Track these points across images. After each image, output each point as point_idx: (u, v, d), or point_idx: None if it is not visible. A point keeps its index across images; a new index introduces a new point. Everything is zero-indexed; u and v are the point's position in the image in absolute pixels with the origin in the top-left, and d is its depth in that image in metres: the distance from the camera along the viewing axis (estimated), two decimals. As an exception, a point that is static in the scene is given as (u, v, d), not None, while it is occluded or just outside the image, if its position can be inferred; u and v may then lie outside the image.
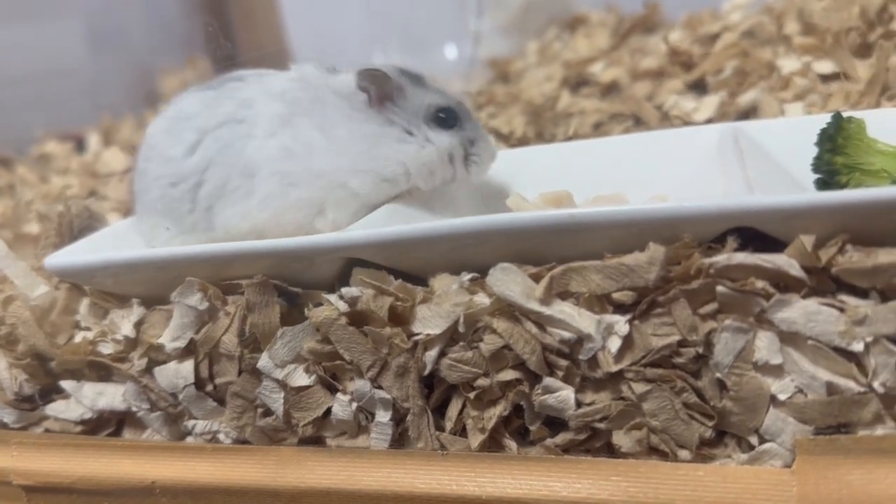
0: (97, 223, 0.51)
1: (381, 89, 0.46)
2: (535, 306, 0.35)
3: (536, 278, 0.36)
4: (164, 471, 0.42)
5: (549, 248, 0.36)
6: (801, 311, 0.32)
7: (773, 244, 0.34)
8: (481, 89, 0.82)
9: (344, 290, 0.38)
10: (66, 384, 0.44)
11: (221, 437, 0.42)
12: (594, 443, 0.37)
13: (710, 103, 0.60)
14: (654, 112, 0.62)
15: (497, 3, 1.00)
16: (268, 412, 0.41)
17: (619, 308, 0.35)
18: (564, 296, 0.36)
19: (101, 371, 0.45)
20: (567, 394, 0.36)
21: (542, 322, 0.36)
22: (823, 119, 0.44)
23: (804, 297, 0.33)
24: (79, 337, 0.44)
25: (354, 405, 0.39)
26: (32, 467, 0.45)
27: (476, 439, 0.37)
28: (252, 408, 0.41)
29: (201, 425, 0.42)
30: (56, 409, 0.45)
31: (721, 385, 0.34)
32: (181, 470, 0.42)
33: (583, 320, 0.35)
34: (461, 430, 0.38)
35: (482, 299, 0.37)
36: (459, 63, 1.05)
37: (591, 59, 0.72)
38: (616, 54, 0.73)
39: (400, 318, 0.38)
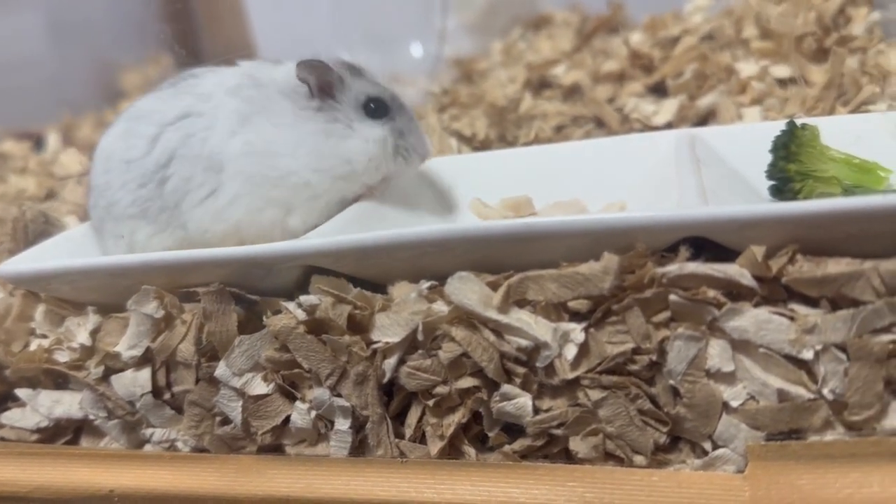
0: (53, 228, 0.50)
1: (320, 80, 0.47)
2: (492, 314, 0.35)
3: (494, 286, 0.36)
4: (123, 479, 0.42)
5: (507, 256, 0.37)
6: (752, 320, 0.33)
7: (727, 252, 0.35)
8: (446, 89, 0.82)
9: (302, 298, 0.38)
10: (21, 392, 0.44)
11: (180, 445, 0.42)
12: (552, 448, 0.37)
13: (670, 106, 0.60)
14: (615, 115, 0.62)
15: (462, 2, 1.00)
16: (226, 420, 0.41)
17: (575, 316, 0.35)
18: (521, 304, 0.36)
19: (58, 379, 0.44)
20: (524, 401, 0.36)
21: (499, 330, 0.36)
22: (779, 125, 0.45)
23: (755, 305, 0.33)
24: (34, 344, 0.44)
25: (313, 413, 0.39)
26: (-13, 476, 0.44)
27: (435, 446, 0.37)
28: (210, 416, 0.41)
29: (159, 433, 0.42)
30: (11, 417, 0.45)
31: (675, 392, 0.34)
32: (140, 478, 0.42)
33: (539, 328, 0.35)
34: (420, 438, 0.38)
35: (441, 307, 0.37)
36: (425, 61, 1.04)
37: (553, 62, 0.72)
38: (579, 56, 0.73)
39: (359, 326, 0.38)
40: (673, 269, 0.33)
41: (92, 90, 1.26)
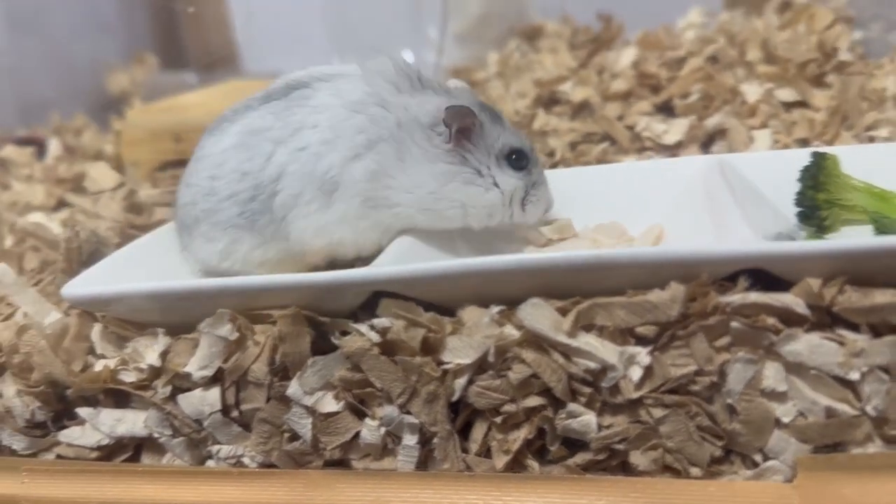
0: (104, 247, 0.51)
1: (462, 125, 0.47)
2: (562, 338, 0.38)
3: (563, 312, 0.39)
4: (188, 495, 0.43)
5: (571, 283, 0.39)
6: (806, 345, 0.36)
7: (770, 280, 0.38)
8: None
9: (375, 322, 0.40)
10: (82, 411, 0.45)
11: (246, 460, 0.43)
12: (611, 462, 0.39)
13: (680, 126, 0.64)
14: (626, 133, 0.65)
15: (455, 12, 1.02)
16: (295, 437, 0.42)
17: (640, 340, 0.38)
18: (588, 328, 0.39)
19: (117, 397, 0.45)
20: (589, 418, 0.39)
21: (568, 353, 0.38)
22: (800, 153, 0.49)
23: (806, 331, 0.37)
24: (99, 365, 0.45)
25: (383, 430, 0.41)
26: (46, 494, 0.45)
27: (501, 461, 0.40)
28: (279, 433, 0.42)
29: (226, 450, 0.43)
30: (70, 435, 0.46)
31: (731, 410, 0.37)
32: (206, 494, 0.43)
33: (606, 351, 0.38)
34: (485, 452, 0.41)
35: (511, 331, 0.39)
36: (434, 67, 1.06)
37: (561, 78, 0.75)
38: (584, 73, 0.76)
39: (430, 347, 0.40)
40: (736, 298, 0.36)
41: (57, 87, 1.24)
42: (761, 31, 0.68)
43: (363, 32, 1.08)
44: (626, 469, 0.40)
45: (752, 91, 0.65)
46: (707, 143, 0.64)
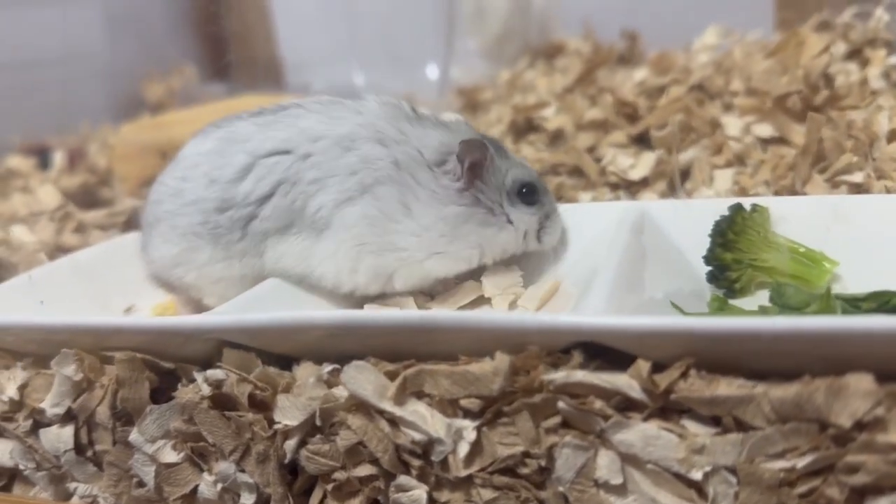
0: (5, 272, 0.51)
1: (475, 160, 0.44)
2: (387, 406, 0.35)
3: (392, 376, 0.36)
4: (44, 530, 0.43)
5: (409, 345, 0.36)
6: (639, 435, 0.32)
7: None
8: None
9: (209, 373, 0.38)
10: (-43, 439, 0.45)
11: (101, 501, 0.42)
12: (451, 540, 0.36)
13: (647, 161, 0.59)
14: (594, 165, 0.61)
15: (477, 27, 0.99)
16: (142, 483, 0.41)
17: (469, 413, 0.35)
18: (420, 395, 0.35)
19: (-4, 427, 0.45)
20: (419, 493, 0.35)
21: (395, 421, 0.35)
22: (727, 203, 0.43)
23: (647, 418, 0.32)
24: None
25: (219, 486, 0.39)
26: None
27: (335, 529, 0.37)
28: (128, 477, 0.41)
29: (83, 488, 0.43)
30: (-54, 462, 0.46)
31: (565, 499, 0.33)
32: (62, 531, 0.42)
33: (434, 423, 0.34)
34: (323, 518, 0.38)
35: (341, 392, 0.36)
36: (440, 84, 1.04)
37: (542, 104, 0.70)
38: (570, 98, 0.71)
39: (262, 404, 0.38)
40: (560, 376, 0.32)
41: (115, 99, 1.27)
42: (738, 61, 0.62)
43: (393, 44, 1.06)
44: (463, 551, 0.36)
45: (733, 124, 0.59)
46: (680, 179, 0.58)
